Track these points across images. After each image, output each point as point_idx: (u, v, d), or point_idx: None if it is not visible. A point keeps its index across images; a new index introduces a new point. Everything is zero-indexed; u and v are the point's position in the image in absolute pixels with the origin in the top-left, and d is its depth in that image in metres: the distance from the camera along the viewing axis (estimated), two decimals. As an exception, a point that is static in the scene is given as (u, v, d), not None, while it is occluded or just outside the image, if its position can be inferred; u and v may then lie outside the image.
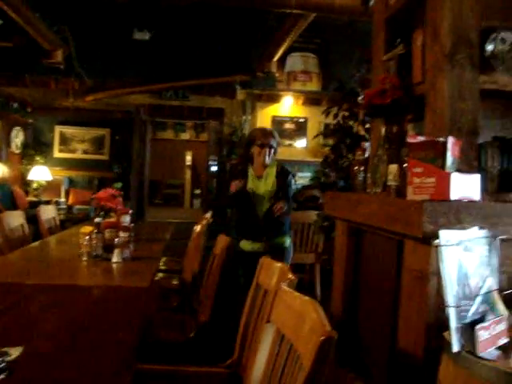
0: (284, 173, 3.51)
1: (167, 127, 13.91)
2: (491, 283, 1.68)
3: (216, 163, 9.22)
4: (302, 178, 8.14)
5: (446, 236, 1.52)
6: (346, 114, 2.92)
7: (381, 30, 2.56)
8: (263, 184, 3.46)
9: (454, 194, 1.74)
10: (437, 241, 1.50)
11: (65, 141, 9.33)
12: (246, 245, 3.50)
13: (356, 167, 2.42)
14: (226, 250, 2.29)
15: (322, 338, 0.98)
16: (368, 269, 2.31)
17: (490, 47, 2.04)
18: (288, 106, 8.86)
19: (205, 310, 2.34)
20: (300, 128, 8.83)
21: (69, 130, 9.34)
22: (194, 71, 8.52)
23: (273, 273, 1.58)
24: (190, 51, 8.31)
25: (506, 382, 1.29)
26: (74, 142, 9.38)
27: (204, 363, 2.03)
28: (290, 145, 8.87)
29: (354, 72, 3.26)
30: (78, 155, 9.35)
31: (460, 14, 1.97)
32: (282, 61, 8.64)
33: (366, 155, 2.42)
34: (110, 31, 7.99)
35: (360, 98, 2.39)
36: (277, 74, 8.54)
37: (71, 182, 9.09)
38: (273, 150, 3.46)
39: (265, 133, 3.52)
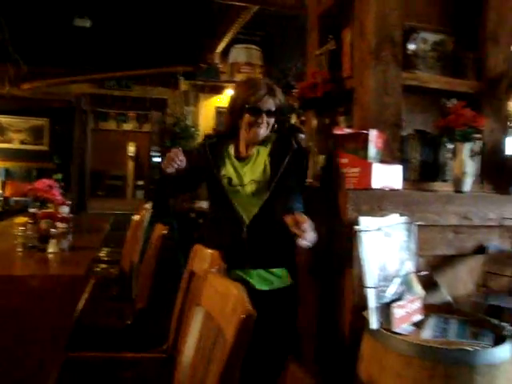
0: (293, 149, 2.08)
1: (109, 117, 13.63)
2: (409, 266, 1.82)
3: (159, 154, 9.17)
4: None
5: (365, 222, 1.63)
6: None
7: (314, 25, 2.65)
8: (249, 170, 2.10)
9: (376, 183, 1.85)
10: (357, 227, 1.61)
11: (1, 130, 9.01)
12: None
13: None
14: (161, 238, 2.34)
15: (243, 315, 1.06)
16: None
17: (412, 46, 2.18)
18: (231, 97, 8.92)
19: (142, 297, 2.38)
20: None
21: (5, 119, 9.01)
22: (136, 61, 8.41)
23: (204, 259, 1.65)
24: (133, 40, 8.19)
25: (414, 352, 1.42)
26: (10, 132, 9.07)
27: (141, 349, 2.07)
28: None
29: (291, 66, 3.34)
30: (15, 145, 9.05)
31: (384, 14, 2.09)
32: (226, 52, 8.68)
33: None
34: (49, 17, 7.75)
35: (294, 91, 2.48)
36: (220, 66, 8.58)
37: (8, 174, 8.80)
38: (272, 119, 2.09)
39: (259, 89, 2.05)
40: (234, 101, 2.14)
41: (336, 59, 2.37)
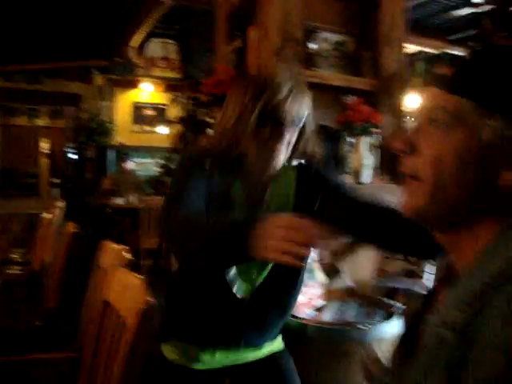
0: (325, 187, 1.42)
1: (20, 113, 12.97)
2: (312, 255, 1.93)
3: (74, 151, 8.88)
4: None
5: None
6: (191, 102, 3.04)
7: (222, 23, 2.71)
8: (274, 198, 1.39)
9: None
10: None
11: None
12: (193, 354, 1.40)
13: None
14: (72, 236, 2.31)
15: (143, 306, 1.10)
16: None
17: (313, 45, 2.30)
18: (148, 92, 8.81)
19: (53, 297, 2.34)
20: (161, 114, 8.83)
21: None
22: (48, 54, 8.07)
23: (110, 254, 1.66)
24: (44, 32, 7.86)
25: (309, 333, 1.52)
26: None
27: (53, 349, 2.04)
28: (152, 131, 8.83)
29: (200, 62, 3.40)
30: None
31: (286, 14, 2.19)
32: (142, 46, 8.55)
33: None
34: None
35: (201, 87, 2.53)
36: (136, 60, 8.44)
37: None
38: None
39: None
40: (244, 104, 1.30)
41: (243, 56, 2.44)
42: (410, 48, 8.51)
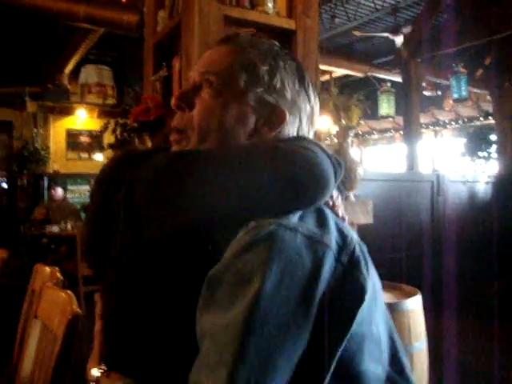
0: None
1: None
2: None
3: (5, 179, 8.65)
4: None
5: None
6: (120, 129, 3.13)
7: (150, 53, 2.85)
8: None
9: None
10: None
11: None
12: None
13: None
14: (1, 261, 2.34)
15: (70, 316, 1.21)
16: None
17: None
18: (83, 118, 8.77)
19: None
20: (96, 141, 8.80)
21: None
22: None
23: (41, 275, 1.74)
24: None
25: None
26: None
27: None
28: (88, 158, 8.78)
29: (129, 90, 3.51)
30: None
31: (207, 44, 2.35)
32: (76, 73, 8.53)
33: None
34: None
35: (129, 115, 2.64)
36: (70, 87, 8.40)
37: None
38: None
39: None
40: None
41: (168, 85, 2.58)
42: (337, 71, 8.96)
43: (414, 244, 4.66)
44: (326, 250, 0.67)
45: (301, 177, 0.72)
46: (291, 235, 0.66)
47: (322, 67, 7.82)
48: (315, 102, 0.90)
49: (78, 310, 1.22)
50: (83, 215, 6.59)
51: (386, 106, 8.07)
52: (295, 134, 0.86)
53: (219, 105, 0.80)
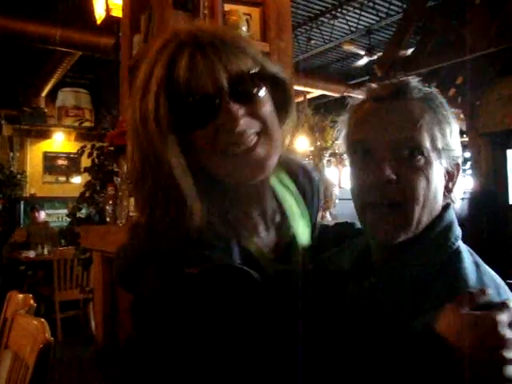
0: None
1: None
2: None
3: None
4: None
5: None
6: (96, 152, 3.13)
7: (125, 77, 2.86)
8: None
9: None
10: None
11: None
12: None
13: (109, 201, 2.63)
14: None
15: (41, 344, 1.19)
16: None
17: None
18: (60, 141, 8.70)
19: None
20: (74, 164, 8.72)
21: None
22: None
23: (14, 303, 1.71)
24: None
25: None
26: None
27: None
28: (65, 181, 8.69)
29: (106, 113, 3.51)
30: None
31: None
32: (53, 96, 8.49)
33: (117, 191, 2.65)
34: None
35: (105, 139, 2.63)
36: (47, 110, 8.35)
37: None
38: None
39: None
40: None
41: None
42: (314, 92, 9.09)
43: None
44: None
45: None
46: None
47: (299, 88, 7.92)
48: None
49: (50, 338, 1.20)
50: (60, 239, 6.49)
51: (363, 126, 8.16)
52: None
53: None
